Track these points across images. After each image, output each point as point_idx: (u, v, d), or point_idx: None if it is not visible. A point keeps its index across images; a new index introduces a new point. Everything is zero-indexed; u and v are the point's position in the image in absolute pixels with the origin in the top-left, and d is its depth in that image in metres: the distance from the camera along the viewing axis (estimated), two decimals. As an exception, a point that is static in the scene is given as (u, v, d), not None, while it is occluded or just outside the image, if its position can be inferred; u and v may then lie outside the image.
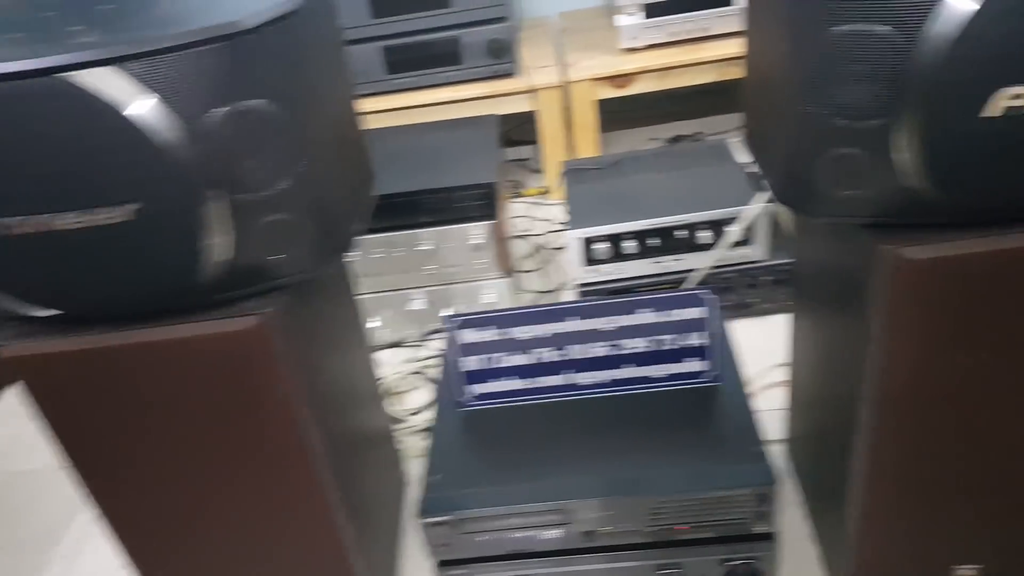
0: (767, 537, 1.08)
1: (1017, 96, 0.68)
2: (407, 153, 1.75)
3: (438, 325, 1.69)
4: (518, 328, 1.12)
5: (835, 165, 0.79)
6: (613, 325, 1.12)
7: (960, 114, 0.70)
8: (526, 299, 1.87)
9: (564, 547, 1.09)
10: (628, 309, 1.12)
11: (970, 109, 0.69)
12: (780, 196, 0.86)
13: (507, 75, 2.04)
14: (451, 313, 1.11)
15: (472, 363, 1.15)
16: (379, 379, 1.67)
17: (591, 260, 1.63)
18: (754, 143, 0.98)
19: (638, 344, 1.14)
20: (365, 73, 2.03)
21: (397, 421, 1.60)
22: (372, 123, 2.06)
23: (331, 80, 0.91)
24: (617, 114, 2.38)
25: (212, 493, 1.03)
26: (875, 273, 0.82)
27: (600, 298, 1.13)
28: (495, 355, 1.14)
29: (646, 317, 1.12)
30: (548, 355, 1.15)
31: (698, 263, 1.65)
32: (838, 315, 0.98)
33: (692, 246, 1.62)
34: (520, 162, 2.44)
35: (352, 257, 1.61)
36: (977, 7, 0.65)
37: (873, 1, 0.68)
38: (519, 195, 2.28)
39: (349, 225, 0.90)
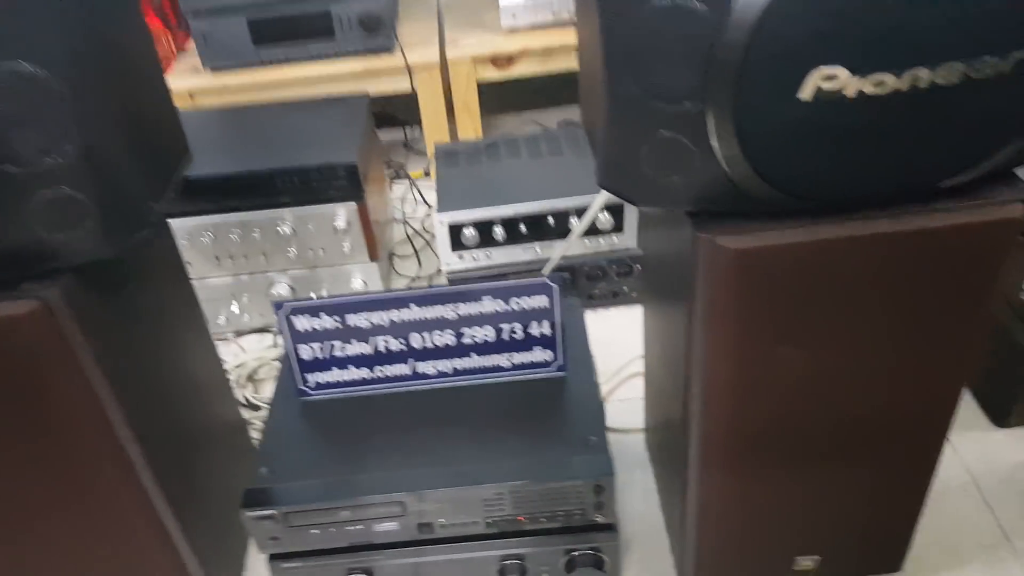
0: (608, 528, 1.07)
1: (829, 77, 0.66)
2: (268, 130, 1.66)
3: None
4: (356, 316, 1.07)
5: (655, 151, 0.76)
6: (457, 313, 1.08)
7: (774, 97, 0.67)
8: (400, 284, 1.81)
9: (402, 539, 1.05)
10: (472, 297, 1.08)
11: (784, 92, 0.67)
12: (603, 182, 0.83)
13: (383, 51, 1.97)
14: (279, 300, 1.05)
15: (308, 352, 1.09)
16: (238, 366, 1.61)
17: (459, 245, 1.58)
18: (587, 130, 0.95)
19: (483, 333, 1.10)
20: (230, 46, 1.92)
21: (256, 408, 1.53)
22: (237, 98, 1.97)
23: (124, 47, 0.84)
24: (505, 97, 2.34)
25: (17, 493, 0.95)
26: (695, 261, 0.80)
27: (443, 286, 1.08)
28: (333, 343, 1.09)
29: (490, 305, 1.08)
30: (390, 344, 1.10)
31: (571, 250, 1.62)
32: (672, 305, 0.96)
33: (562, 233, 1.60)
34: (405, 144, 2.38)
35: (183, 238, 1.54)
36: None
37: (681, -23, 0.65)
38: (400, 177, 2.22)
39: (148, 204, 0.82)
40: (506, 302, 1.08)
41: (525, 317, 1.09)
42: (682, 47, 0.68)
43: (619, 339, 1.58)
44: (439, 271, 1.80)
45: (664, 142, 0.75)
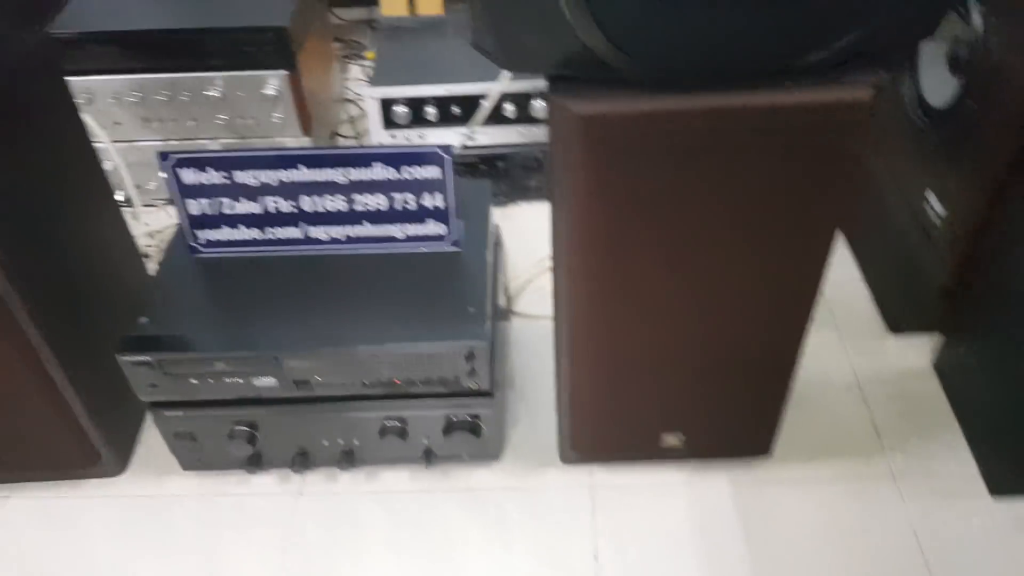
0: (484, 394, 1.09)
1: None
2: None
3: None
4: (243, 173, 1.06)
5: (519, 13, 0.74)
6: (348, 178, 1.07)
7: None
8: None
9: (281, 396, 1.07)
10: (362, 161, 1.07)
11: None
12: (475, 45, 0.81)
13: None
14: (166, 151, 1.04)
15: (197, 207, 1.09)
16: (162, 231, 1.61)
17: (391, 123, 1.56)
18: None
19: (375, 200, 1.09)
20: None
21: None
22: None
23: None
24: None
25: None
26: (551, 127, 0.79)
27: (333, 148, 1.07)
28: (223, 200, 1.09)
29: (382, 172, 1.07)
30: (280, 205, 1.09)
31: (504, 138, 1.60)
32: (552, 184, 0.95)
33: (497, 118, 1.57)
34: (372, 24, 2.32)
35: (109, 96, 1.51)
36: None
37: None
38: (353, 56, 2.17)
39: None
40: (397, 170, 1.07)
41: (418, 187, 1.09)
42: None
43: (546, 232, 1.58)
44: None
45: (526, 4, 0.73)
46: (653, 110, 0.75)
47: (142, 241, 1.54)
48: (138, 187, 1.64)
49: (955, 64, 1.18)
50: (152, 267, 1.39)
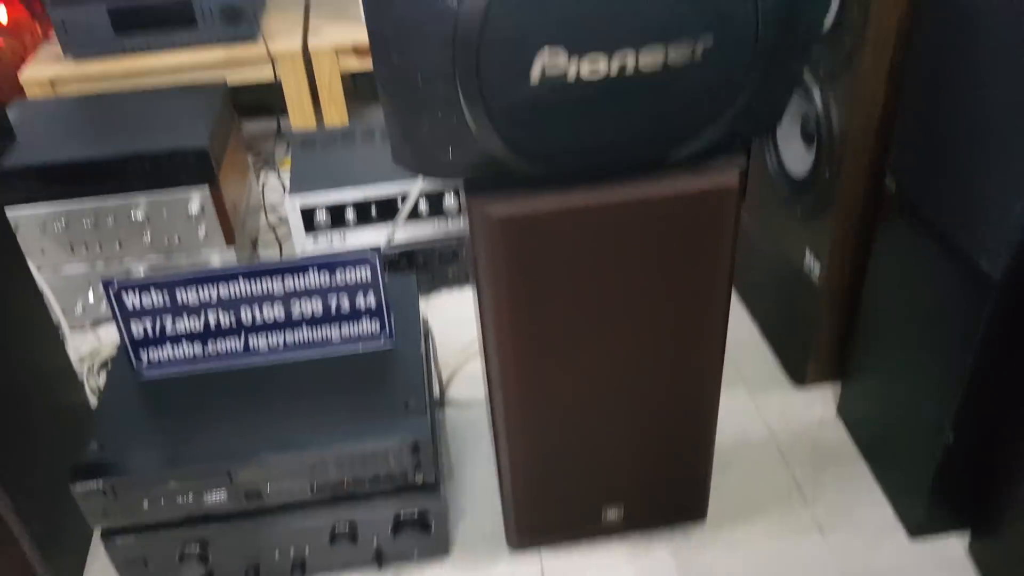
0: (430, 488, 1.14)
1: (552, 62, 0.74)
2: (123, 117, 1.68)
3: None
4: (184, 292, 1.12)
5: (430, 127, 0.84)
6: (284, 288, 1.14)
7: (509, 78, 0.76)
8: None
9: (233, 509, 1.10)
10: (298, 271, 1.14)
11: (517, 73, 0.75)
12: (394, 156, 0.91)
13: (246, 40, 2.00)
14: (108, 279, 1.09)
15: (138, 329, 1.14)
16: (92, 354, 1.63)
17: (312, 228, 1.64)
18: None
19: (311, 306, 1.16)
20: (90, 33, 1.92)
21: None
22: (99, 86, 1.97)
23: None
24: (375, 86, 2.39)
25: None
26: (471, 227, 0.88)
27: (269, 261, 1.14)
28: (164, 320, 1.14)
29: (316, 278, 1.15)
30: (221, 319, 1.15)
31: (420, 233, 1.70)
32: (474, 275, 1.04)
33: (414, 215, 1.67)
34: (278, 132, 2.41)
35: (35, 226, 1.54)
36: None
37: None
38: (270, 166, 2.25)
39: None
40: (331, 275, 1.15)
41: (351, 290, 1.16)
42: (432, 32, 0.75)
43: (471, 317, 1.66)
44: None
45: (437, 119, 0.83)
46: (557, 208, 0.86)
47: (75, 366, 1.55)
48: (64, 311, 1.66)
49: (807, 136, 1.35)
50: (88, 391, 1.41)
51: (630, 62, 0.74)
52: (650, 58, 0.74)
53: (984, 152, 0.97)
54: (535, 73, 0.75)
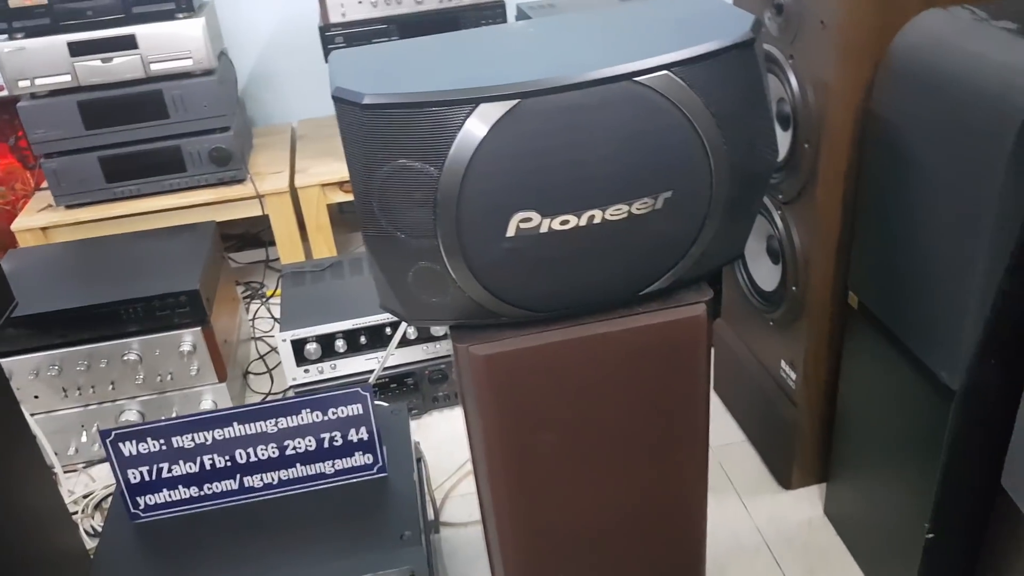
0: (428, 620, 1.15)
1: (526, 220, 0.82)
2: (113, 262, 1.75)
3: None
4: (181, 437, 1.15)
5: (416, 277, 0.90)
6: (277, 427, 1.18)
7: (488, 234, 0.83)
8: (255, 400, 1.89)
9: (232, 653, 1.10)
10: (291, 411, 1.18)
11: (495, 229, 0.83)
12: (382, 303, 0.97)
13: (235, 182, 2.10)
14: (105, 428, 1.12)
15: (136, 475, 1.16)
16: (87, 495, 1.63)
17: (303, 360, 1.69)
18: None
19: (304, 443, 1.20)
20: (82, 183, 2.02)
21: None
22: (91, 231, 2.04)
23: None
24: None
25: None
26: (459, 366, 0.94)
27: (261, 402, 1.18)
28: (160, 465, 1.16)
29: (309, 417, 1.18)
30: (216, 461, 1.18)
31: (410, 357, 1.75)
32: (464, 407, 1.09)
33: (402, 341, 1.73)
34: (266, 263, 2.49)
35: (29, 373, 1.58)
36: (485, 133, 0.78)
37: (407, 140, 0.80)
38: (259, 296, 2.31)
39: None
40: (324, 413, 1.18)
41: (343, 425, 1.20)
42: (416, 195, 0.83)
43: (462, 436, 1.70)
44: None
45: (422, 270, 0.89)
46: (538, 344, 0.92)
47: (69, 508, 1.56)
48: (57, 454, 1.68)
49: (772, 253, 1.43)
50: (82, 534, 1.42)
51: (598, 216, 0.82)
52: (615, 212, 0.82)
53: (934, 274, 1.05)
54: (510, 229, 0.82)
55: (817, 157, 1.22)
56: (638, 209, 0.82)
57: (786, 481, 1.52)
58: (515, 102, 0.78)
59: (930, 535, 1.15)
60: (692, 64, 0.79)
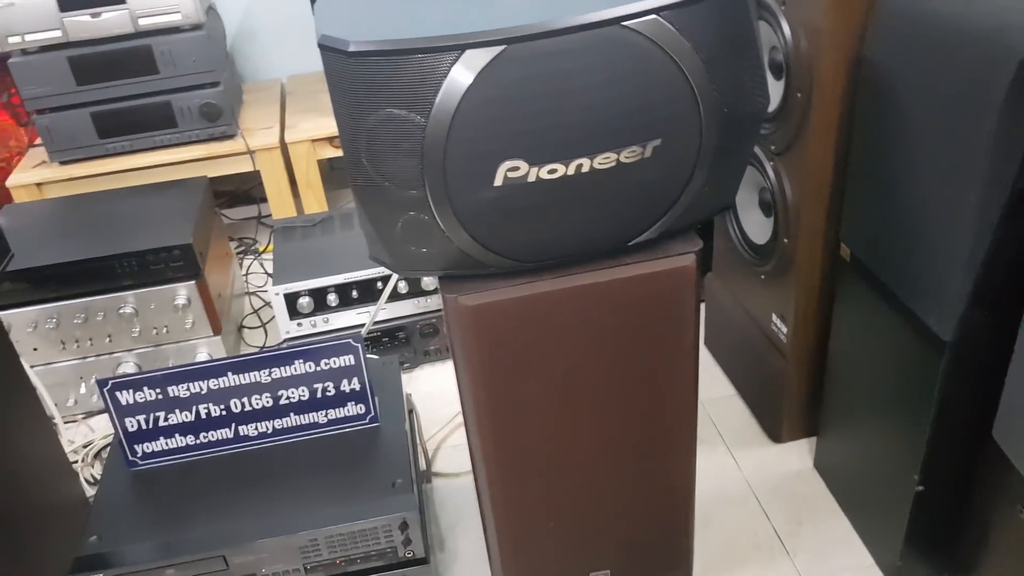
0: (420, 562, 1.18)
1: (513, 168, 0.82)
2: (108, 217, 1.75)
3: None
4: (175, 387, 1.17)
5: (405, 228, 0.90)
6: (271, 377, 1.20)
7: (475, 183, 0.83)
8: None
9: (230, 594, 1.14)
10: (284, 361, 1.19)
11: (482, 179, 0.83)
12: (371, 254, 0.98)
13: (226, 137, 2.09)
14: (102, 377, 1.14)
15: (132, 424, 1.18)
16: (86, 445, 1.66)
17: (296, 314, 1.70)
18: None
19: (297, 393, 1.21)
20: (74, 139, 2.01)
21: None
22: (85, 187, 2.04)
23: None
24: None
25: None
26: (447, 316, 0.95)
27: (256, 352, 1.19)
28: (157, 414, 1.18)
29: (302, 367, 1.20)
30: (211, 410, 1.20)
31: (400, 311, 1.76)
32: (454, 359, 1.10)
33: (393, 295, 1.74)
34: (260, 219, 2.49)
35: (27, 326, 1.60)
36: (471, 80, 0.78)
37: (394, 89, 0.80)
38: (252, 252, 2.32)
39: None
40: (316, 363, 1.20)
41: (335, 375, 1.22)
42: (403, 145, 0.83)
43: (453, 389, 1.71)
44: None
45: (410, 220, 0.90)
46: (526, 294, 0.92)
47: (69, 457, 1.58)
48: (56, 405, 1.70)
49: (764, 206, 1.43)
50: (82, 483, 1.44)
51: (586, 164, 0.82)
52: (604, 160, 0.82)
53: (926, 223, 1.05)
54: (498, 178, 0.82)
55: (809, 106, 1.22)
56: (627, 157, 0.82)
57: (776, 434, 1.54)
58: (501, 48, 0.77)
59: (920, 487, 1.17)
60: (681, 8, 0.78)
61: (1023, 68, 0.87)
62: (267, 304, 2.06)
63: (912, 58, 1.03)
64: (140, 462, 1.21)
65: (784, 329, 1.43)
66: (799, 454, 1.52)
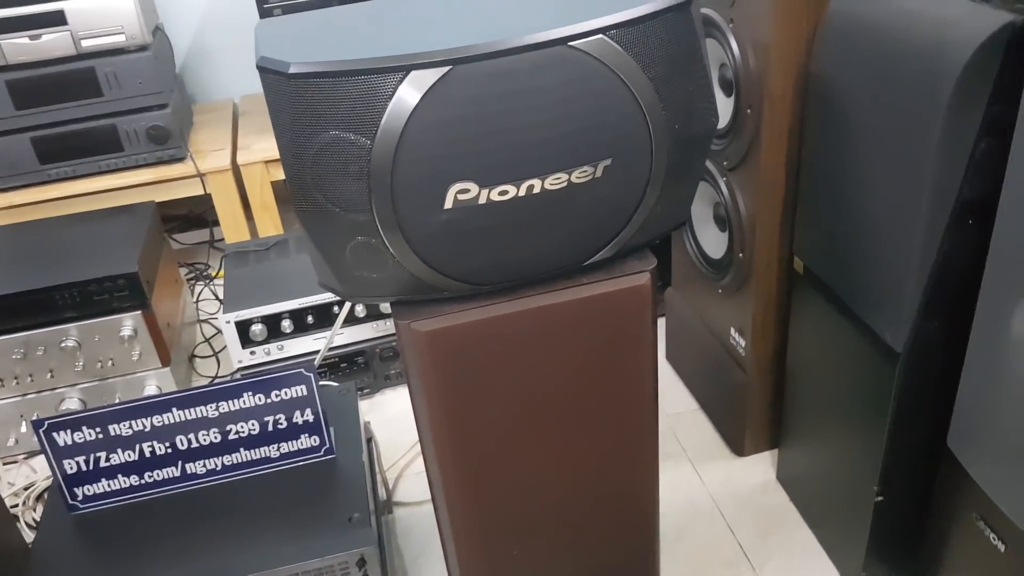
0: (380, 598, 1.14)
1: (463, 190, 0.80)
2: (50, 246, 1.68)
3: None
4: (118, 425, 1.12)
5: (354, 253, 0.87)
6: (218, 412, 1.15)
7: (424, 206, 0.80)
8: (201, 383, 1.84)
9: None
10: (233, 394, 1.15)
11: (432, 202, 0.80)
12: (320, 281, 0.94)
13: (175, 160, 2.03)
14: (35, 418, 1.08)
15: (72, 466, 1.12)
16: (27, 487, 1.59)
17: (249, 342, 1.65)
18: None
19: (247, 427, 1.17)
20: (14, 165, 1.93)
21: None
22: (27, 215, 1.97)
23: None
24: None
25: None
26: (401, 342, 0.91)
27: (202, 386, 1.15)
28: (97, 455, 1.13)
29: (251, 399, 1.15)
30: (156, 449, 1.15)
31: (360, 335, 1.72)
32: (409, 385, 1.07)
33: (350, 319, 1.70)
34: (211, 244, 2.43)
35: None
36: (417, 101, 0.75)
37: (338, 111, 0.77)
38: (202, 278, 2.26)
39: None
40: (267, 395, 1.16)
41: (288, 407, 1.17)
42: (349, 168, 0.80)
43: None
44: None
45: (359, 246, 0.86)
46: (481, 318, 0.90)
47: (9, 501, 1.51)
48: (-8, 447, 1.62)
49: (719, 220, 1.42)
50: (23, 527, 1.38)
51: (537, 185, 0.80)
52: (555, 181, 0.80)
53: (876, 235, 1.05)
54: (448, 200, 0.80)
55: (760, 121, 1.21)
56: (578, 178, 0.80)
57: (739, 448, 1.53)
58: (447, 68, 0.75)
59: (879, 498, 1.16)
60: (628, 27, 0.77)
61: (963, 81, 0.88)
62: (220, 332, 2.00)
63: (857, 72, 1.03)
64: (81, 506, 1.15)
65: (743, 342, 1.42)
66: (762, 467, 1.51)
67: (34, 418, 1.11)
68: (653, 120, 0.80)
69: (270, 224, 2.16)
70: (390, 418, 1.72)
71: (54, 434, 1.09)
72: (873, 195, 1.04)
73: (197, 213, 2.51)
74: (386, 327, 1.73)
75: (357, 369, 1.75)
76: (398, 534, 1.45)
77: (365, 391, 1.77)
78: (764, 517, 1.42)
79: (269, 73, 0.79)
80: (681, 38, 0.80)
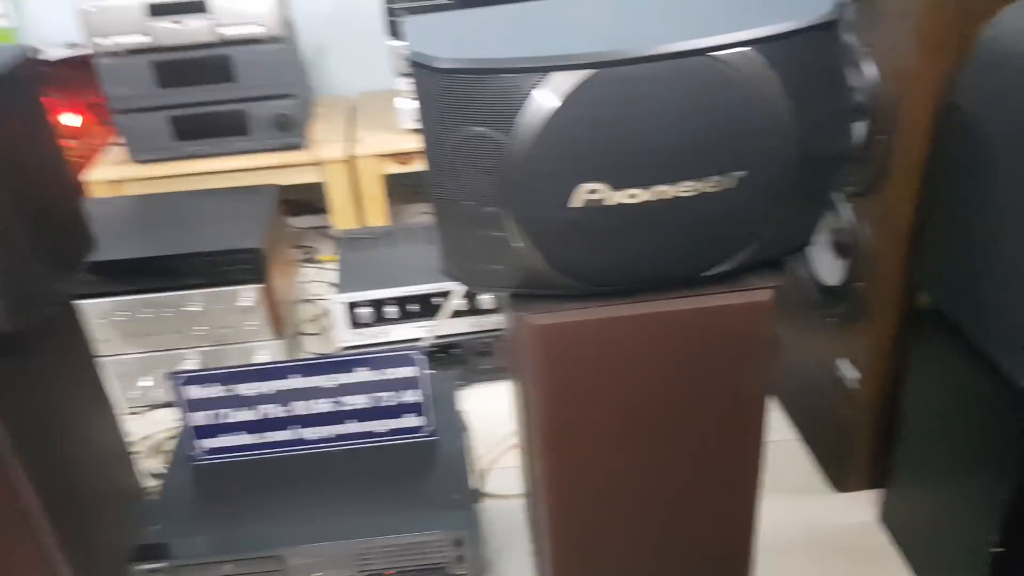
0: (470, 580, 1.19)
1: (593, 191, 0.83)
2: (182, 217, 1.81)
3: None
4: (243, 385, 1.20)
5: (479, 244, 0.92)
6: (334, 383, 1.22)
7: (552, 204, 0.84)
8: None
9: (282, 594, 1.15)
10: (347, 367, 1.22)
11: (559, 200, 0.84)
12: (443, 268, 0.99)
13: (295, 148, 2.14)
14: (175, 370, 1.17)
15: (200, 418, 1.21)
16: (146, 438, 1.70)
17: (356, 323, 1.73)
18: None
19: (358, 400, 1.24)
20: (153, 140, 2.08)
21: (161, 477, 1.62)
22: (160, 187, 2.11)
23: (25, 153, 0.97)
24: (414, 188, 2.52)
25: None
26: (516, 334, 0.96)
27: (320, 357, 1.22)
28: (222, 411, 1.21)
29: (364, 375, 1.22)
30: (274, 411, 1.23)
31: (456, 328, 1.78)
32: (517, 379, 1.11)
33: (451, 311, 1.76)
34: (320, 229, 2.54)
35: (99, 317, 1.65)
36: (559, 104, 0.80)
37: (480, 107, 0.82)
38: (312, 260, 2.37)
39: (50, 286, 0.95)
40: (377, 372, 1.22)
41: (396, 386, 1.23)
42: (484, 162, 0.84)
43: (505, 411, 1.72)
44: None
45: (484, 237, 0.91)
46: (596, 317, 0.93)
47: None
48: (122, 396, 1.75)
49: (839, 249, 1.41)
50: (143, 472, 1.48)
51: (667, 192, 0.83)
52: (685, 188, 0.83)
53: (1013, 274, 1.01)
54: (577, 200, 0.84)
55: (891, 149, 1.20)
56: (708, 187, 0.83)
57: (840, 483, 1.50)
58: (589, 73, 0.79)
59: (999, 548, 1.12)
60: (773, 42, 0.79)
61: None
62: (324, 314, 2.09)
63: (1005, 107, 1.01)
64: (204, 457, 1.24)
65: (851, 375, 1.39)
66: (863, 506, 1.46)
67: (164, 373, 1.20)
68: (788, 137, 0.82)
69: (378, 215, 2.25)
70: (481, 413, 1.76)
71: (188, 387, 1.18)
72: (1013, 233, 1.01)
73: (306, 199, 2.62)
74: (483, 323, 1.79)
75: (453, 360, 1.81)
76: (484, 525, 1.49)
77: (459, 383, 1.83)
78: (863, 558, 1.38)
79: (419, 67, 0.84)
80: (825, 56, 0.82)
